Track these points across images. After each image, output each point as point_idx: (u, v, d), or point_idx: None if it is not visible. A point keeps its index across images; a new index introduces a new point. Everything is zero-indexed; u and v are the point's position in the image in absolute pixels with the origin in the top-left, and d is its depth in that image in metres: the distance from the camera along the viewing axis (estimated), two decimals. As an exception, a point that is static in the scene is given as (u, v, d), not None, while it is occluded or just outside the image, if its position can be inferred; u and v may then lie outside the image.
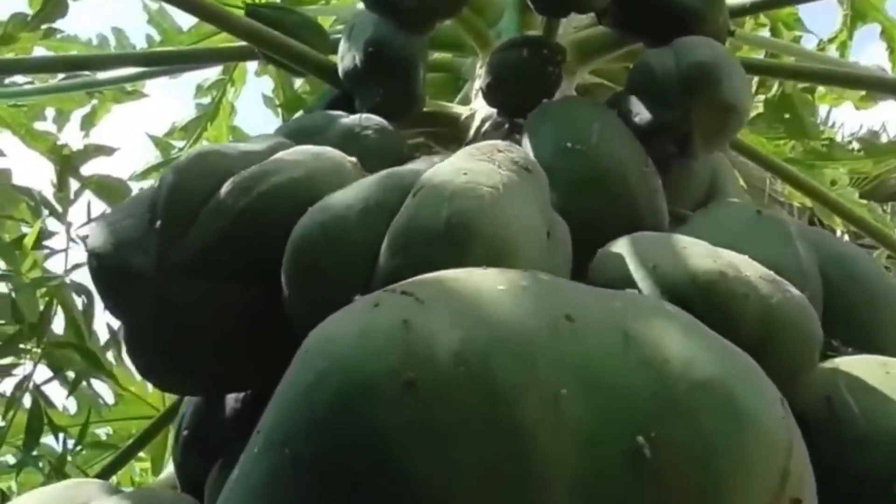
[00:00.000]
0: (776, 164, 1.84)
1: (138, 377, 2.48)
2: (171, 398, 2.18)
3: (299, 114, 2.00)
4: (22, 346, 2.27)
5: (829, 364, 0.84)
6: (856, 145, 2.35)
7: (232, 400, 0.98)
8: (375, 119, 1.20)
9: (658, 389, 0.40)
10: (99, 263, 0.90)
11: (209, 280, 0.86)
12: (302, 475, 0.41)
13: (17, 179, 2.58)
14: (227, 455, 0.86)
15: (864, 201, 2.27)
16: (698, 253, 0.78)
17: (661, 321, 0.45)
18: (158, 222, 0.87)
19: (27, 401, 2.32)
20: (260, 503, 0.43)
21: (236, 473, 0.47)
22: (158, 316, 0.86)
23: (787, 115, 1.92)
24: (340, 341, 0.43)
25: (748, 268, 0.78)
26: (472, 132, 1.36)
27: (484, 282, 0.46)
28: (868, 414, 0.77)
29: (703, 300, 0.72)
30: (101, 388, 2.45)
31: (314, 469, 0.40)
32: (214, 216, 0.87)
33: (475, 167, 0.79)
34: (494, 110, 1.35)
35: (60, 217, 2.50)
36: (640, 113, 1.17)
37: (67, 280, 2.44)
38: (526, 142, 1.16)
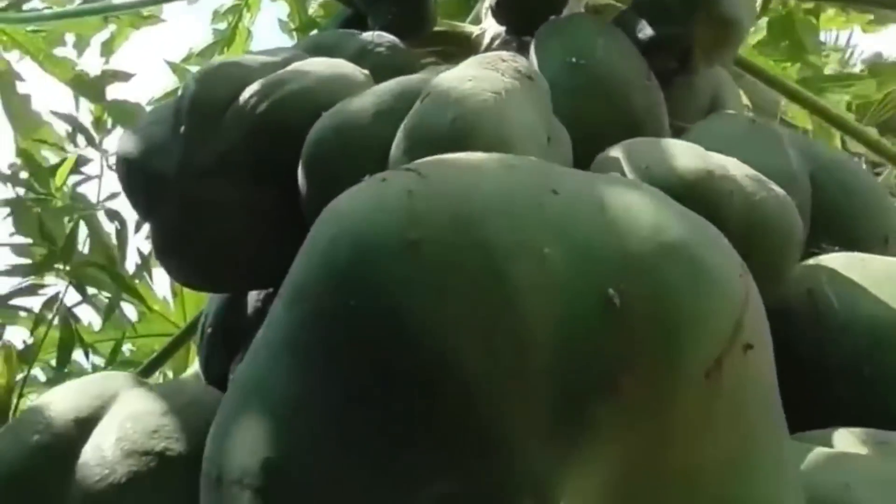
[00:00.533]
0: (786, 85, 1.86)
1: (161, 295, 2.56)
2: (192, 315, 2.25)
3: (314, 33, 2.04)
4: (55, 266, 2.35)
5: (812, 261, 0.89)
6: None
7: (254, 298, 1.04)
8: (388, 37, 1.24)
9: (629, 250, 0.46)
10: (127, 167, 0.96)
11: (231, 182, 0.91)
12: (323, 324, 0.47)
13: (35, 105, 2.64)
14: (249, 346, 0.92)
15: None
16: (688, 154, 0.83)
17: (637, 195, 0.51)
18: (182, 128, 0.92)
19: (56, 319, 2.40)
20: (286, 350, 0.49)
21: (262, 330, 0.53)
22: (183, 217, 0.92)
23: (788, 39, 1.95)
24: (353, 209, 0.49)
25: (735, 168, 0.83)
26: (481, 50, 1.40)
27: (479, 161, 0.52)
28: (845, 304, 0.82)
29: (691, 197, 0.77)
30: (125, 305, 2.53)
31: (334, 318, 0.46)
32: (234, 122, 0.92)
33: (480, 74, 0.84)
34: (503, 28, 1.39)
35: (95, 145, 2.56)
36: (644, 29, 1.22)
37: (100, 206, 2.51)
38: (533, 57, 1.20)
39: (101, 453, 0.84)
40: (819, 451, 0.64)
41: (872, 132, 1.94)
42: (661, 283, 0.45)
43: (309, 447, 0.46)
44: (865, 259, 0.87)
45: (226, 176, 0.91)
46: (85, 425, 0.88)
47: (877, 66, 2.06)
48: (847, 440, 0.67)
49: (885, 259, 0.88)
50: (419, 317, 0.44)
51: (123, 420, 0.87)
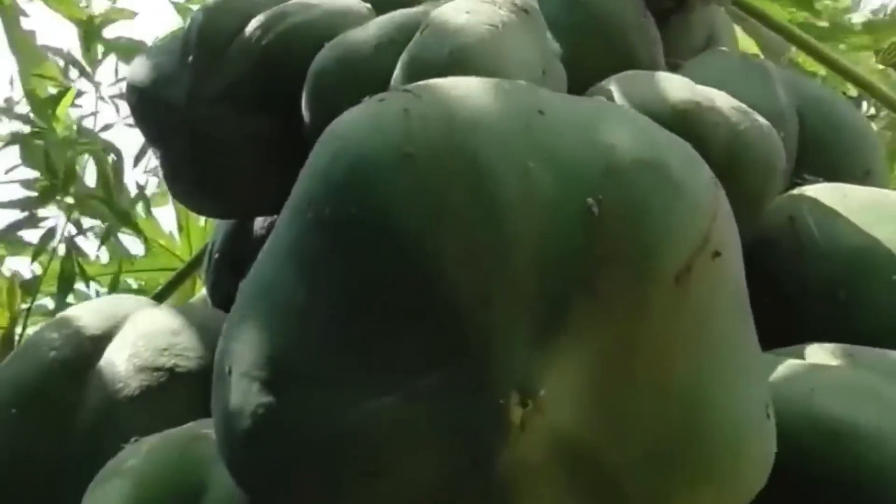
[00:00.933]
0: (791, 32, 1.87)
1: (167, 230, 2.60)
2: (197, 249, 2.29)
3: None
4: (57, 198, 2.38)
5: (795, 191, 0.93)
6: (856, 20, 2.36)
7: (259, 225, 1.08)
8: (389, -26, 1.26)
9: (608, 164, 0.50)
10: (137, 96, 0.99)
11: (238, 112, 0.94)
12: (324, 231, 0.51)
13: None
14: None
15: (881, 66, 2.30)
16: (677, 87, 0.86)
17: (619, 116, 0.54)
18: (190, 58, 0.96)
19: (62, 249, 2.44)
20: (290, 258, 0.53)
21: (268, 242, 0.57)
22: (191, 144, 0.96)
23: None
24: (352, 126, 0.53)
25: (722, 100, 0.86)
26: (482, -14, 1.42)
27: (472, 84, 0.55)
28: (825, 233, 0.86)
29: (679, 127, 0.80)
30: (133, 241, 2.58)
31: (335, 226, 0.50)
32: (239, 54, 0.95)
33: (478, 7, 0.87)
34: (504, -35, 1.41)
35: (90, 77, 2.59)
36: (640, -33, 1.24)
37: (103, 143, 2.54)
38: (534, -4, 1.22)
39: (114, 369, 0.89)
40: (788, 362, 0.69)
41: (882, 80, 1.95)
42: (635, 195, 0.49)
43: (312, 344, 0.51)
44: (846, 189, 0.91)
45: (232, 106, 0.95)
46: (99, 343, 0.92)
47: (872, 23, 2.06)
48: (818, 354, 0.72)
49: (865, 189, 0.92)
50: (411, 224, 0.48)
51: (136, 338, 0.91)
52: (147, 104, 0.99)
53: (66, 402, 0.87)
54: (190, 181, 1.00)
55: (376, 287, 0.49)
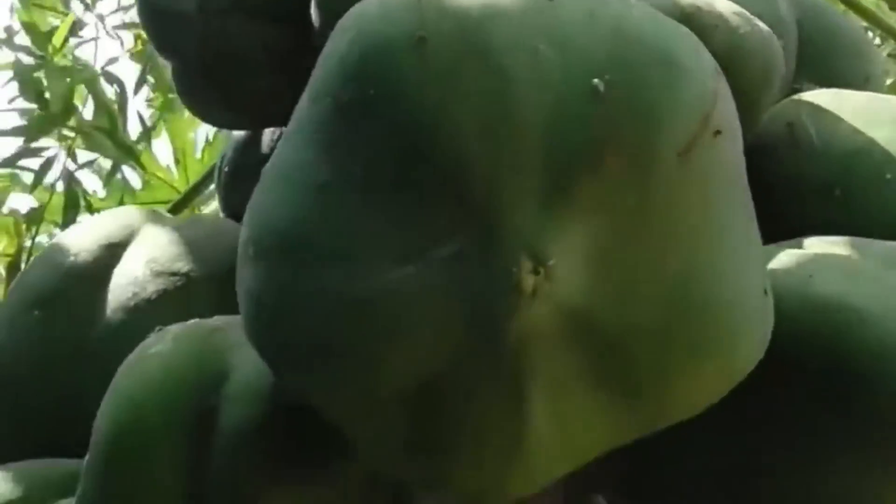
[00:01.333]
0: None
1: (164, 163, 2.61)
2: (194, 181, 2.31)
3: None
4: (56, 130, 2.38)
5: (794, 97, 0.95)
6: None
7: (268, 138, 1.11)
8: None
9: (615, 49, 0.52)
10: (149, 9, 1.01)
11: (248, 21, 0.96)
12: (343, 113, 0.53)
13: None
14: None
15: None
16: (677, -8, 0.88)
17: (626, 5, 0.57)
18: (200, -30, 0.97)
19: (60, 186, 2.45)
20: (310, 138, 0.55)
21: (287, 130, 0.59)
22: (202, 52, 0.98)
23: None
24: (366, 15, 0.55)
25: (722, 5, 0.88)
26: None
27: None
28: (822, 135, 0.88)
29: None
30: (129, 173, 2.59)
31: (351, 107, 0.53)
32: None
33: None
34: None
35: (90, 7, 2.58)
36: None
37: (100, 69, 2.54)
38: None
39: (131, 273, 0.91)
40: (788, 251, 0.71)
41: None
42: (640, 75, 0.52)
43: (332, 220, 0.53)
44: (844, 93, 0.92)
45: (243, 17, 0.96)
46: (115, 250, 0.94)
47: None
48: (818, 245, 0.74)
49: (863, 93, 0.93)
50: (426, 104, 0.51)
51: (152, 245, 0.94)
52: (158, 17, 1.01)
53: (85, 305, 0.90)
54: (202, 92, 1.03)
55: (394, 163, 0.52)
